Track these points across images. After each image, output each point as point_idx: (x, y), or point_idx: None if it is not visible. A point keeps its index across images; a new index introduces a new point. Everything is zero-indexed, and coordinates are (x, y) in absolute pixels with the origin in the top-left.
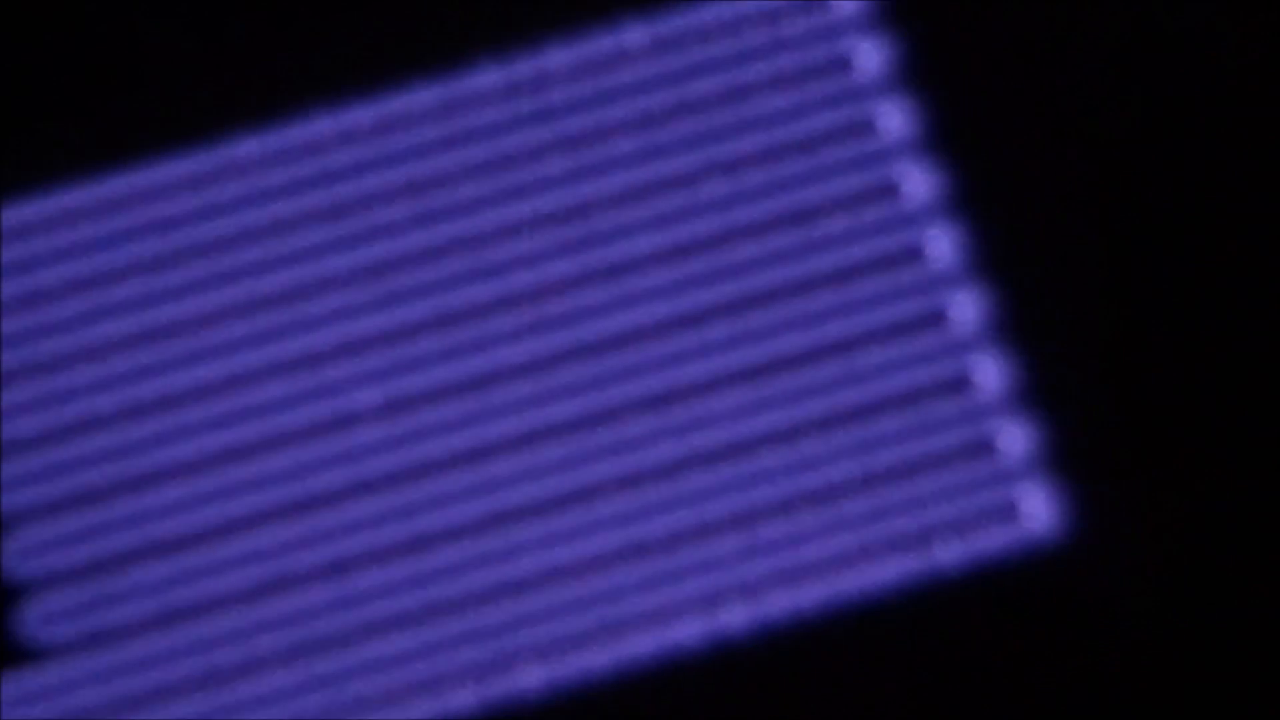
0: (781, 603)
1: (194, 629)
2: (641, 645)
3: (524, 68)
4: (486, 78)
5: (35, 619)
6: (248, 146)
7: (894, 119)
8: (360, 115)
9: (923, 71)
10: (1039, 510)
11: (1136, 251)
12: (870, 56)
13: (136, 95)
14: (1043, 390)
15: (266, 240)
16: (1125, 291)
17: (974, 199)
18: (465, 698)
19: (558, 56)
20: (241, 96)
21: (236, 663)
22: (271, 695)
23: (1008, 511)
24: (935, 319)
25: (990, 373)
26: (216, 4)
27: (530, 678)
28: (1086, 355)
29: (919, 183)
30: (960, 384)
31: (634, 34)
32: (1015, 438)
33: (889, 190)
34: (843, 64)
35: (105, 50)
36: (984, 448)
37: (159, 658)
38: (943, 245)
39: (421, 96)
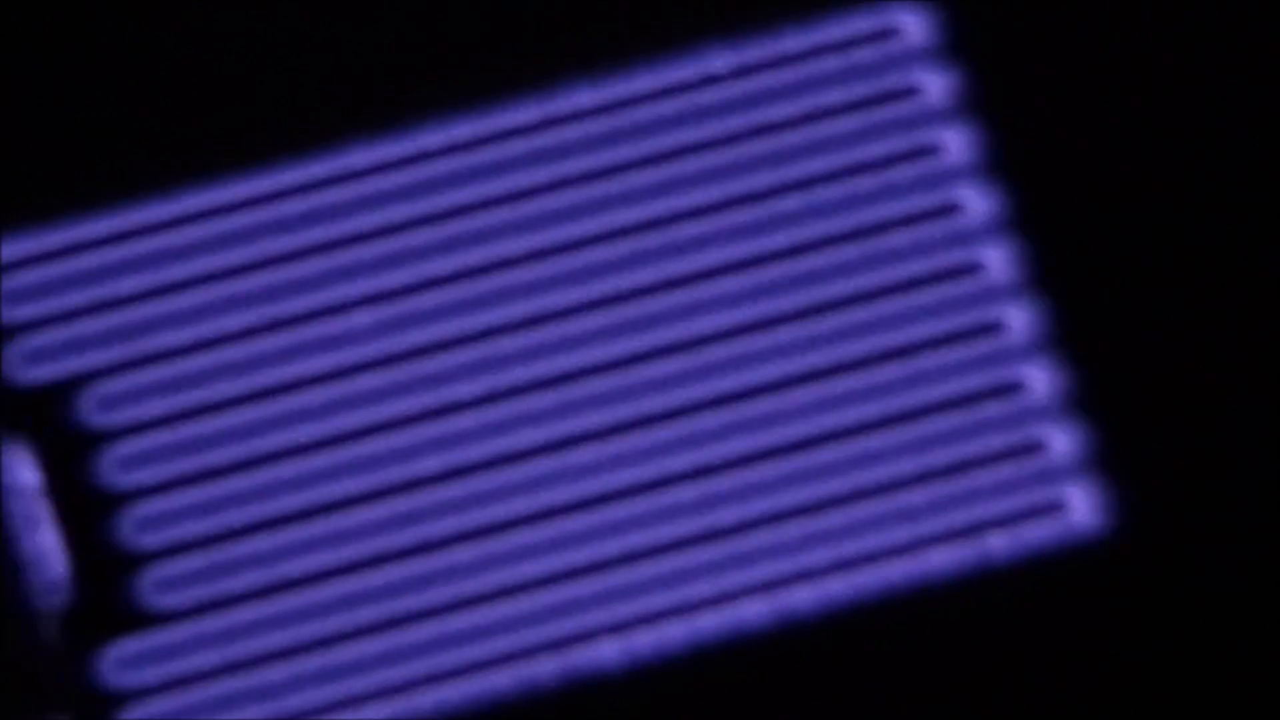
0: (840, 588)
1: (299, 599)
2: (709, 625)
3: (616, 89)
4: (581, 97)
5: (151, 586)
6: (364, 154)
7: (957, 143)
8: (465, 129)
9: (986, 98)
10: (1085, 507)
11: (1186, 268)
12: (936, 83)
13: (264, 104)
14: (1091, 395)
15: (379, 241)
16: (1173, 304)
17: (1030, 218)
18: (546, 669)
19: (647, 80)
20: (359, 108)
21: (336, 631)
22: (367, 660)
23: (1055, 508)
24: (991, 328)
25: (1041, 378)
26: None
27: (608, 652)
28: (1135, 362)
29: (979, 202)
30: (1013, 388)
31: (716, 60)
32: (1064, 438)
33: (950, 209)
34: (910, 91)
35: (239, 56)
36: (1033, 447)
37: (266, 624)
38: (1000, 260)
39: (521, 113)
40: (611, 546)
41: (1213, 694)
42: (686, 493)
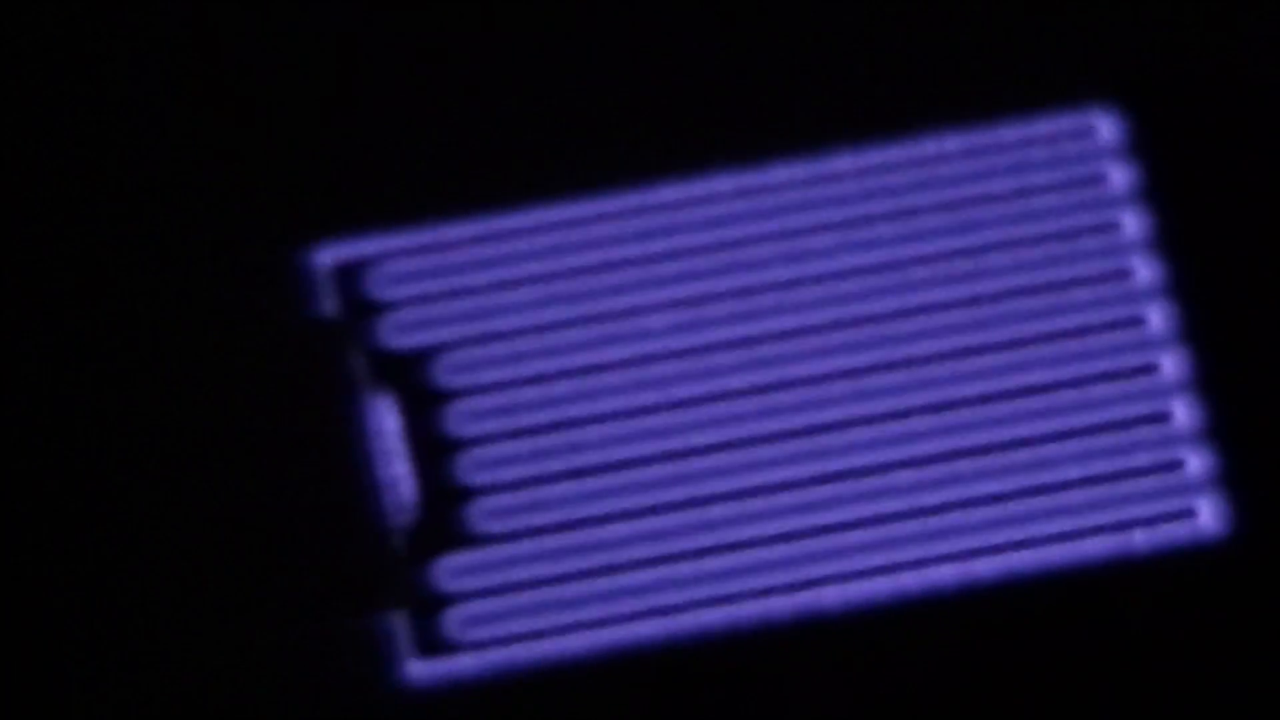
0: (1013, 562)
1: (595, 534)
2: (909, 583)
3: (871, 156)
4: (843, 161)
5: (480, 513)
6: (677, 189)
7: (1133, 221)
8: (753, 179)
9: (1159, 185)
10: (1212, 516)
11: None
12: (1119, 172)
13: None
14: (1224, 426)
15: (683, 259)
16: None
17: (1187, 283)
18: (780, 606)
19: (894, 151)
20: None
21: (621, 561)
22: (644, 586)
23: (1187, 514)
24: (1148, 369)
25: (1185, 411)
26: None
27: (830, 596)
28: (1264, 401)
29: (1146, 269)
30: (1161, 417)
31: (947, 141)
32: (1198, 458)
33: (1123, 274)
34: (1098, 178)
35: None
36: (1173, 464)
37: (568, 551)
38: (1159, 316)
39: (795, 170)
40: (836, 514)
41: None
42: (896, 479)
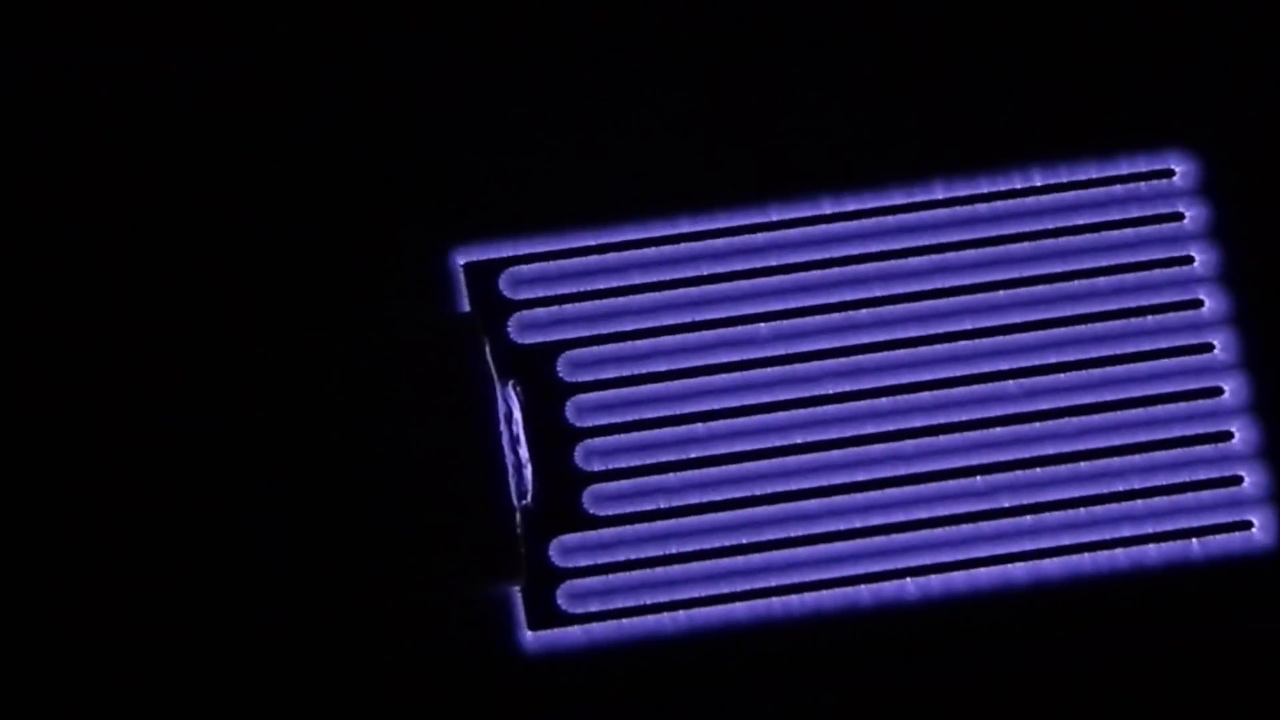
0: (1057, 568)
1: (696, 521)
2: (987, 578)
3: (966, 188)
4: (937, 190)
5: (593, 498)
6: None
7: (1204, 257)
8: (850, 204)
9: (1228, 221)
10: (1267, 528)
11: None
12: (1193, 209)
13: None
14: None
15: (781, 275)
16: None
17: (1250, 314)
18: (863, 594)
19: (987, 183)
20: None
21: (719, 546)
22: (737, 570)
23: (1243, 527)
24: (1213, 392)
25: (1245, 431)
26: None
27: (909, 589)
28: None
29: (1215, 299)
30: (1223, 436)
31: (1039, 177)
32: (1256, 476)
33: (1193, 304)
34: (1174, 214)
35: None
36: (1232, 480)
37: (670, 535)
38: (1225, 343)
39: (894, 198)
40: (919, 513)
41: None
42: (974, 484)
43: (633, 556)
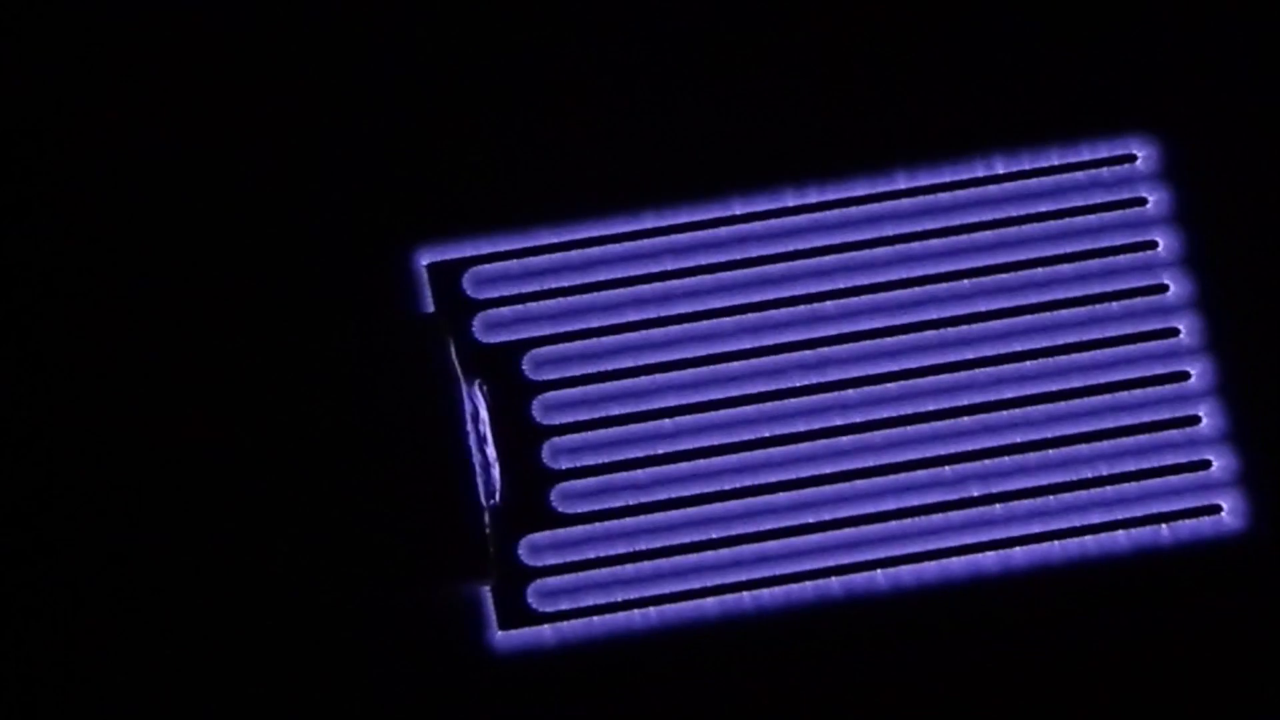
0: (1026, 557)
1: (661, 517)
2: (959, 567)
3: (929, 176)
4: (899, 180)
5: (559, 496)
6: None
7: (1166, 238)
8: (813, 195)
9: (1189, 206)
10: (1234, 511)
11: None
12: (1155, 192)
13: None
14: (1246, 428)
15: (744, 269)
16: None
17: (1215, 296)
18: (834, 587)
19: (948, 172)
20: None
21: (683, 543)
22: (704, 566)
23: (1211, 511)
24: (1177, 377)
25: (1212, 414)
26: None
27: (879, 579)
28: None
29: (1179, 283)
30: (1190, 421)
31: (1000, 165)
32: (1224, 460)
33: (1157, 289)
34: (1135, 200)
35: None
36: (1200, 465)
37: (636, 532)
38: (1190, 327)
39: (856, 188)
40: (886, 504)
41: None
42: (941, 474)
43: (602, 554)
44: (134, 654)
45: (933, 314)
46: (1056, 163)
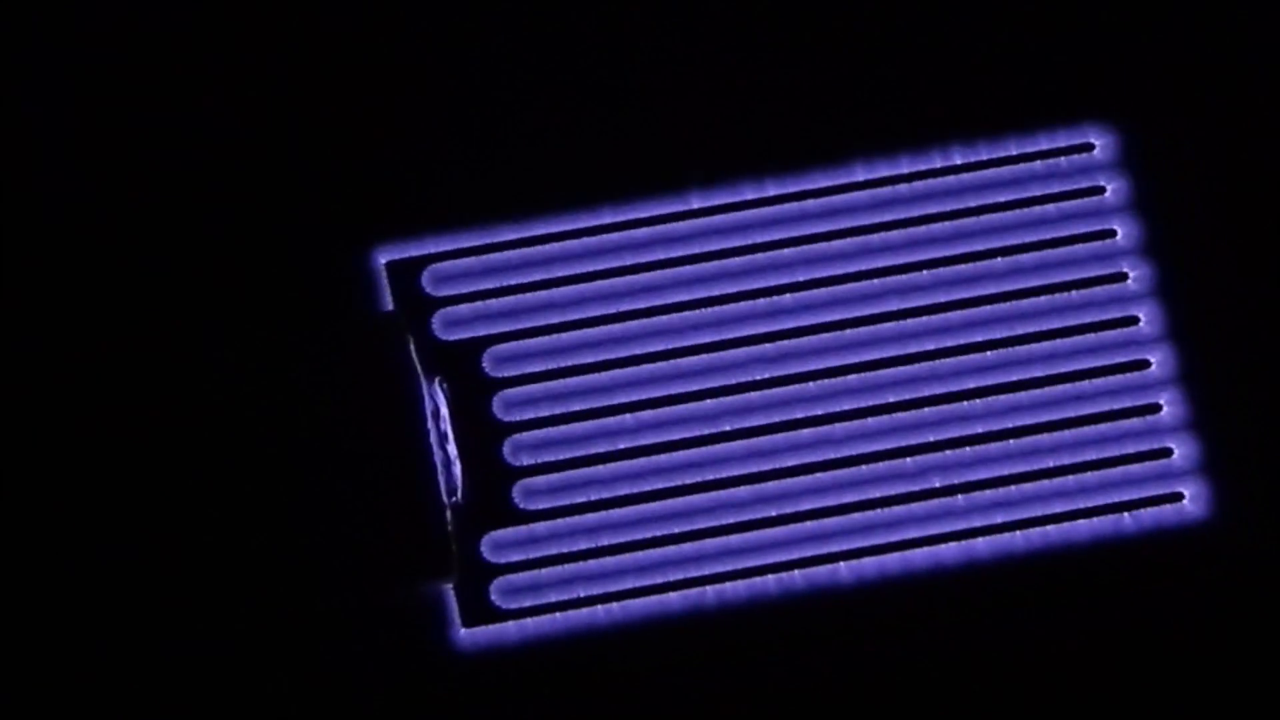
0: (989, 547)
1: (625, 512)
2: (919, 558)
3: (888, 168)
4: (858, 171)
5: (521, 493)
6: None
7: (1125, 226)
8: (773, 188)
9: (1148, 195)
10: (1196, 501)
11: None
12: (1113, 182)
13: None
14: (1208, 416)
15: (707, 263)
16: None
17: (1174, 284)
18: (795, 580)
19: (907, 163)
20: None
21: (649, 537)
22: (669, 560)
23: (1174, 499)
24: (1140, 365)
25: (1173, 402)
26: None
27: (843, 572)
28: (1243, 393)
29: (1139, 271)
30: (1151, 409)
31: (959, 155)
32: (1186, 447)
33: (1116, 277)
34: (1094, 188)
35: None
36: (1162, 453)
37: (599, 528)
38: (1150, 315)
39: (818, 180)
40: (849, 496)
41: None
42: (902, 465)
43: (565, 550)
44: (93, 654)
45: (893, 305)
46: (1015, 153)
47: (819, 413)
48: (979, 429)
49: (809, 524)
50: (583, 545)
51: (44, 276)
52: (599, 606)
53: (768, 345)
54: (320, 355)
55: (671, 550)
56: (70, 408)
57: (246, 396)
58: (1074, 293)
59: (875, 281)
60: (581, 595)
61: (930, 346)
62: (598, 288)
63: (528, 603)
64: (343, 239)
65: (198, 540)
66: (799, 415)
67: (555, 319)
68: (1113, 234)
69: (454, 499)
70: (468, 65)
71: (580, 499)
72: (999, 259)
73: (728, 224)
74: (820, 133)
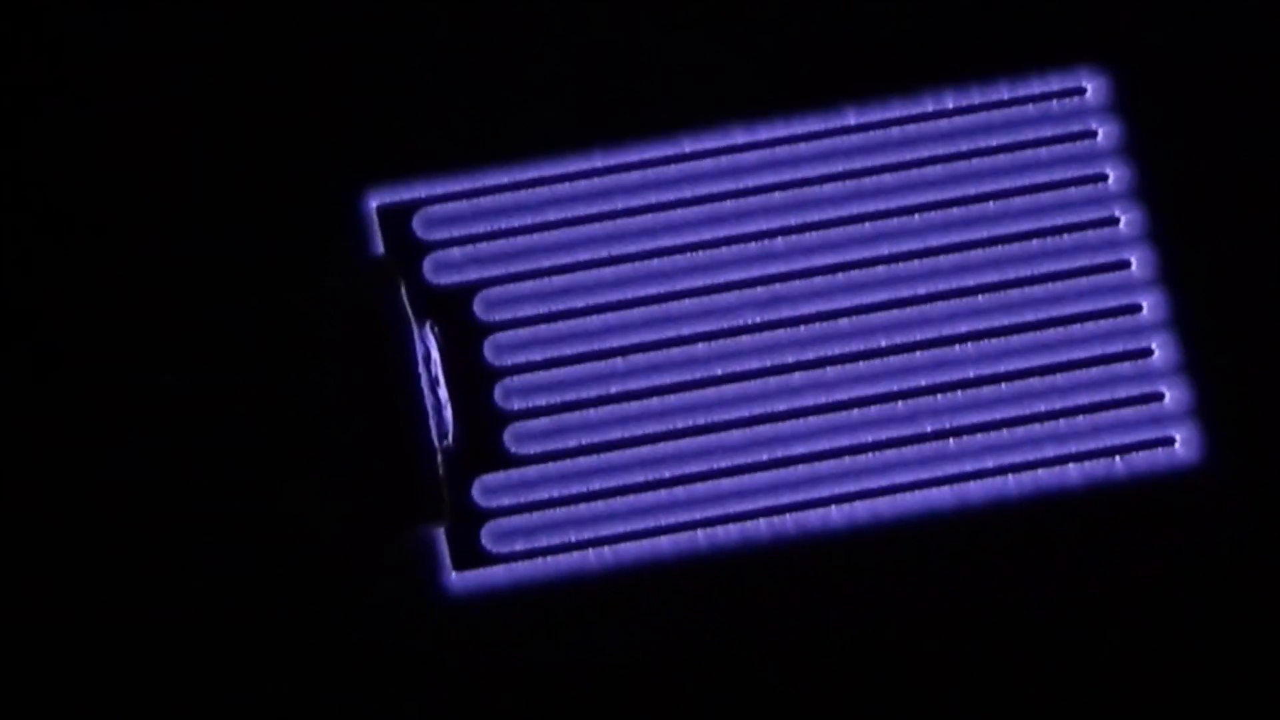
0: (981, 491)
1: (617, 456)
2: (911, 502)
3: (880, 113)
4: (849, 117)
5: (513, 437)
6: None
7: (1117, 171)
8: (764, 133)
9: (1140, 139)
10: (1188, 445)
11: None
12: (1105, 126)
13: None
14: (1200, 361)
15: (696, 207)
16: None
17: (1166, 229)
18: (786, 524)
19: (899, 108)
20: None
21: (640, 481)
22: (660, 505)
23: (1165, 443)
24: (1131, 309)
25: (1165, 347)
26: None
27: (834, 516)
28: (1237, 340)
29: (1130, 216)
30: (1143, 353)
31: (950, 99)
32: (1178, 392)
33: (1108, 221)
34: (1086, 132)
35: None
36: (1153, 397)
37: (591, 472)
38: (1141, 259)
39: (806, 124)
40: (841, 440)
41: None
42: (894, 410)
43: (556, 494)
44: (84, 598)
45: (884, 250)
46: (1006, 96)
47: (810, 357)
48: (971, 373)
49: (800, 468)
50: (574, 489)
51: (25, 224)
52: (590, 550)
53: (759, 289)
54: (311, 300)
55: (663, 494)
56: (53, 357)
57: (237, 342)
58: (1065, 237)
59: (867, 225)
60: (573, 539)
61: (922, 290)
62: (589, 231)
63: (519, 546)
64: (333, 183)
65: (185, 486)
66: (790, 359)
67: (546, 263)
68: (1104, 178)
69: (445, 443)
70: (458, 8)
71: (571, 443)
72: (990, 203)
73: (719, 168)
74: (812, 76)
